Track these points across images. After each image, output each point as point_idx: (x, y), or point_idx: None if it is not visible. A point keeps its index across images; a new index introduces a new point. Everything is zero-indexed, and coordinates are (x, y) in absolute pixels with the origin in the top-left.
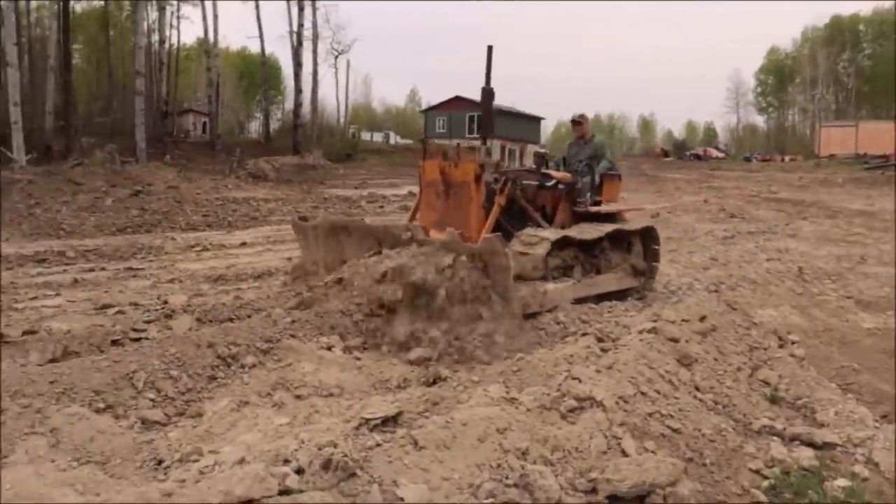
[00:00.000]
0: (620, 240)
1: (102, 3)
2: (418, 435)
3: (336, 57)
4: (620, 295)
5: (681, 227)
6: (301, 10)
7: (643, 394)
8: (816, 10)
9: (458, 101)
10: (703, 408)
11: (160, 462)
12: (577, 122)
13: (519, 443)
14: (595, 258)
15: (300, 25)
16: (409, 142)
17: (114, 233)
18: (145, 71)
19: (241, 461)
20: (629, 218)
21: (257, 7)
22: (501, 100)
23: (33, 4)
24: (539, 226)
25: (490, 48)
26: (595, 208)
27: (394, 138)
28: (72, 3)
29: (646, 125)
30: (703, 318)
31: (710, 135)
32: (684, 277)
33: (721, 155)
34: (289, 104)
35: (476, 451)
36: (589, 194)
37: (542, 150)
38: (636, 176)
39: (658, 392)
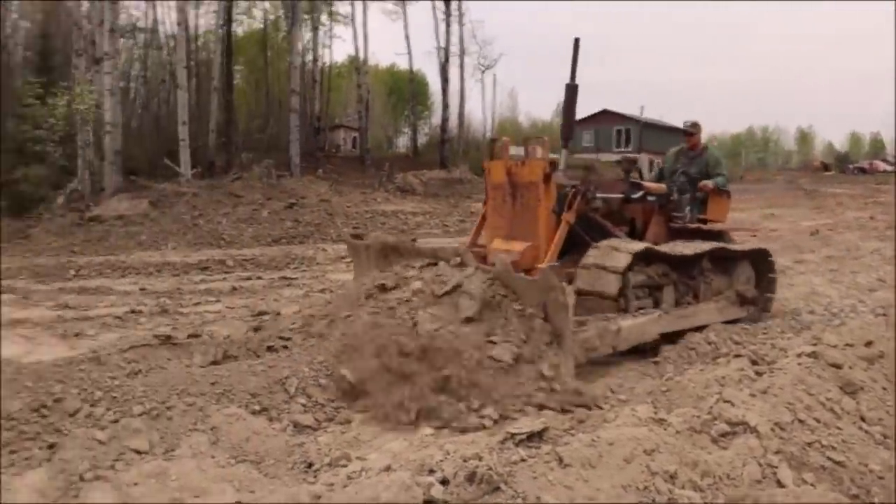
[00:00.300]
0: (724, 262)
1: (261, 26)
2: (564, 452)
3: (482, 72)
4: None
5: (843, 244)
6: (448, 26)
7: (801, 421)
8: None
9: (605, 115)
10: (870, 441)
11: (310, 465)
12: (689, 132)
13: (667, 465)
14: (693, 280)
15: (447, 42)
16: (555, 156)
17: (269, 243)
18: (299, 89)
19: (388, 468)
20: (738, 239)
21: (406, 25)
22: (650, 111)
23: (201, 30)
24: None
25: (577, 41)
26: (697, 224)
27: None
28: (234, 26)
29: (804, 137)
30: (869, 344)
31: (877, 146)
32: (847, 299)
33: (889, 168)
34: (436, 119)
35: (622, 472)
36: (689, 209)
37: (633, 155)
38: (793, 190)
39: (818, 420)
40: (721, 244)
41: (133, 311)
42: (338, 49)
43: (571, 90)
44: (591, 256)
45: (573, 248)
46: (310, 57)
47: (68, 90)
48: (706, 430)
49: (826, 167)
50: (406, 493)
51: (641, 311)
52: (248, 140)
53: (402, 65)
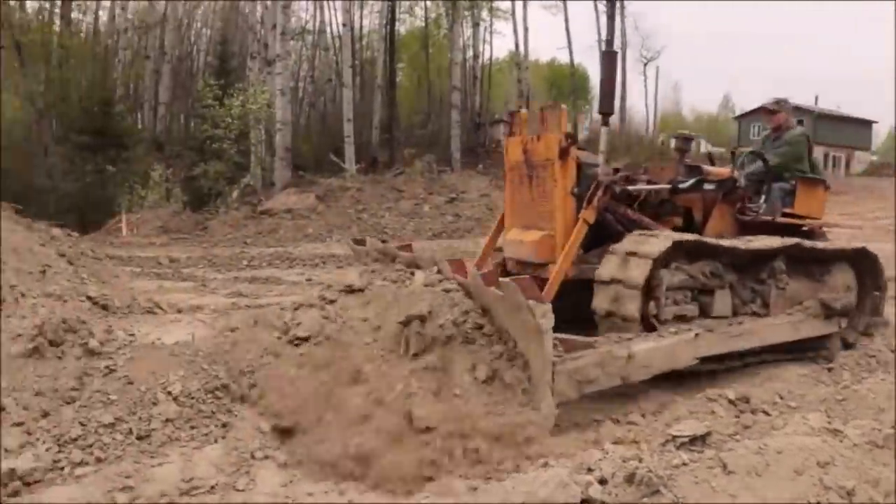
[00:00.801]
0: (812, 264)
1: (423, 24)
2: (728, 458)
3: (645, 64)
4: (800, 348)
5: None
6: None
7: None
8: None
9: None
10: None
11: None
12: (771, 110)
13: (843, 480)
14: (761, 285)
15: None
16: (721, 149)
17: (430, 237)
18: (460, 85)
19: (545, 465)
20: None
21: (566, 19)
22: (825, 101)
23: (365, 30)
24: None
25: (612, 3)
26: (770, 217)
27: (705, 146)
28: (397, 24)
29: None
30: None
31: None
32: None
33: None
34: (597, 113)
35: (792, 483)
36: (764, 200)
37: (687, 133)
38: None
39: None
40: (801, 241)
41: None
42: (498, 45)
43: (610, 56)
44: (607, 267)
45: (607, 239)
46: (470, 53)
47: (243, 91)
48: (889, 445)
49: None
50: (563, 490)
51: (672, 329)
52: (410, 136)
53: (563, 59)
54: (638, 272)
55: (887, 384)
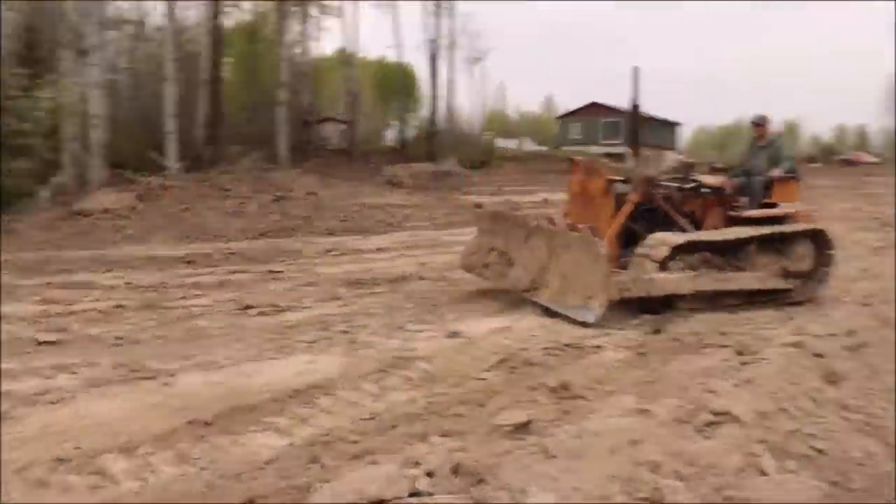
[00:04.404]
0: (777, 243)
1: (250, 18)
2: (549, 443)
3: (472, 65)
4: (768, 296)
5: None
6: (438, 19)
7: (784, 410)
8: None
9: (593, 108)
10: (850, 429)
11: None
12: (758, 123)
13: (652, 456)
14: (738, 263)
15: (437, 34)
16: (543, 148)
17: (257, 237)
18: (288, 82)
19: (373, 462)
20: (806, 220)
21: (395, 17)
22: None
23: (189, 21)
24: (682, 229)
25: (636, 69)
26: (750, 213)
27: (529, 145)
28: (222, 19)
29: (791, 130)
30: (851, 333)
31: (862, 139)
32: (831, 290)
33: (874, 160)
34: (425, 112)
35: (607, 463)
36: (746, 198)
37: (689, 160)
38: None
39: (801, 409)
40: (774, 229)
41: (118, 306)
42: (328, 42)
43: (635, 109)
44: (639, 250)
45: (636, 242)
46: (299, 49)
47: (54, 83)
48: (690, 420)
49: (812, 159)
50: (392, 485)
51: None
52: (237, 133)
53: (392, 58)
54: (660, 253)
55: (690, 365)
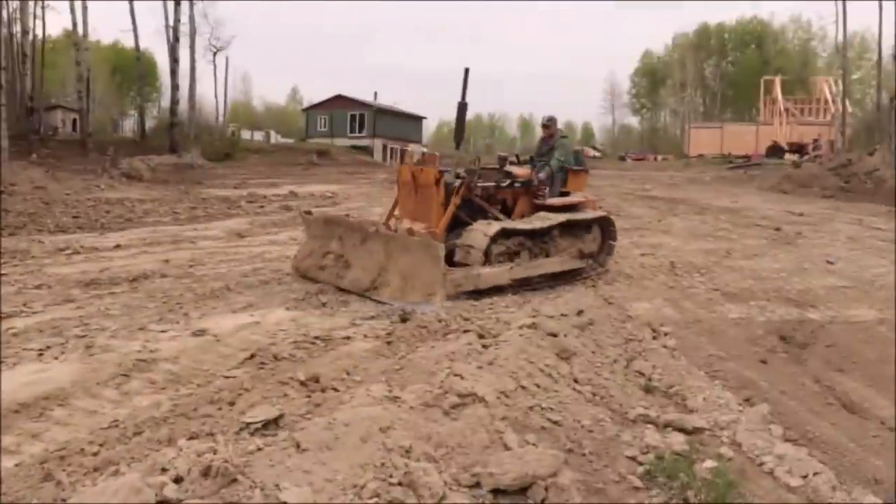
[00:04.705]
0: (574, 228)
1: None
2: (300, 437)
3: (214, 54)
4: (569, 275)
5: None
6: (177, 4)
7: (524, 388)
8: (687, 17)
9: (339, 100)
10: (581, 399)
11: None
12: (546, 125)
13: (402, 441)
14: (545, 245)
15: (177, 20)
16: (290, 141)
17: None
18: (6, 64)
19: (115, 473)
20: (591, 207)
21: (131, 0)
22: (383, 98)
23: None
24: (496, 219)
25: (467, 70)
26: (552, 201)
27: (275, 137)
28: None
29: (525, 125)
30: (580, 313)
31: (588, 135)
32: None
33: (597, 154)
34: (165, 101)
35: (359, 451)
36: (548, 188)
37: (504, 154)
38: None
39: (538, 386)
40: (570, 216)
41: None
42: (53, 22)
43: (462, 107)
44: (463, 238)
45: (459, 226)
46: (18, 28)
47: None
48: (438, 403)
49: None
50: (136, 495)
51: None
52: None
53: (128, 42)
54: (481, 243)
55: (436, 350)
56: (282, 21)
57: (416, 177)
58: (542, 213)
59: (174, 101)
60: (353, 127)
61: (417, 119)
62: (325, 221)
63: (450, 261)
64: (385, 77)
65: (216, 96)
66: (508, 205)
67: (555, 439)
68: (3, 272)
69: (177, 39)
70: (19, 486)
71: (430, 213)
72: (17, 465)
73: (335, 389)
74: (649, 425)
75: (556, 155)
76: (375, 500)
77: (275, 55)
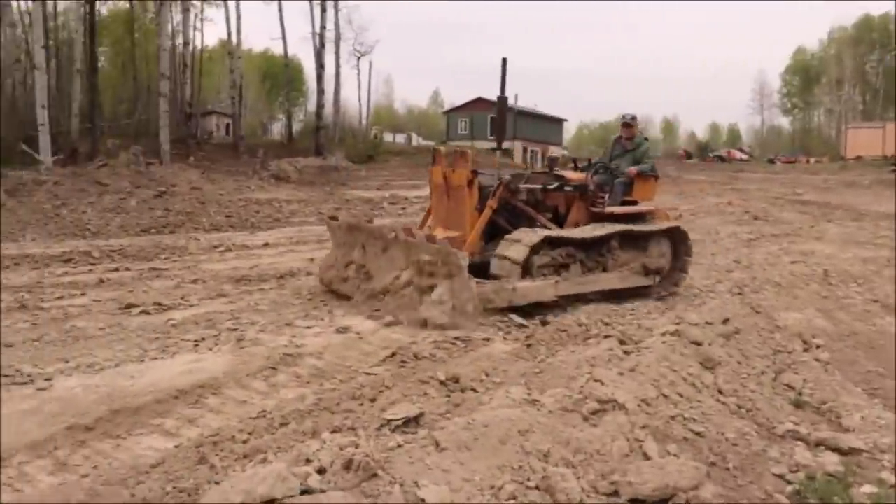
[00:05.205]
0: (637, 239)
1: (128, 4)
2: (440, 436)
3: (358, 58)
4: (634, 294)
5: (704, 228)
6: (324, 11)
7: (665, 396)
8: (844, 10)
9: (480, 103)
10: (726, 411)
11: None
12: (629, 123)
13: (540, 445)
14: (602, 258)
15: (322, 27)
16: (431, 143)
17: (138, 233)
18: (169, 73)
19: (263, 461)
20: (663, 218)
21: (280, 9)
22: (524, 100)
23: (60, 7)
24: (544, 227)
25: (504, 60)
26: (612, 209)
27: (416, 139)
28: (98, 5)
29: (668, 127)
30: (726, 321)
31: (734, 136)
32: (707, 280)
33: (745, 157)
34: (311, 106)
35: (497, 453)
36: (607, 196)
37: (556, 155)
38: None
39: (681, 395)
40: (629, 226)
41: None
42: (210, 33)
43: (502, 102)
44: (500, 247)
45: (499, 235)
46: (180, 40)
47: None
48: (578, 408)
49: (688, 155)
50: (282, 484)
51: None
52: (115, 125)
53: (277, 49)
54: (519, 254)
55: (576, 355)
56: (422, 24)
57: (448, 178)
58: (597, 224)
59: (320, 105)
60: (493, 129)
61: (557, 121)
62: (349, 228)
63: (486, 274)
64: (524, 78)
65: (360, 100)
66: (560, 212)
67: (697, 451)
68: (164, 267)
69: (323, 45)
70: (178, 467)
71: (462, 219)
72: (176, 447)
73: (474, 390)
74: (799, 442)
75: (645, 159)
76: (512, 502)
77: (416, 58)
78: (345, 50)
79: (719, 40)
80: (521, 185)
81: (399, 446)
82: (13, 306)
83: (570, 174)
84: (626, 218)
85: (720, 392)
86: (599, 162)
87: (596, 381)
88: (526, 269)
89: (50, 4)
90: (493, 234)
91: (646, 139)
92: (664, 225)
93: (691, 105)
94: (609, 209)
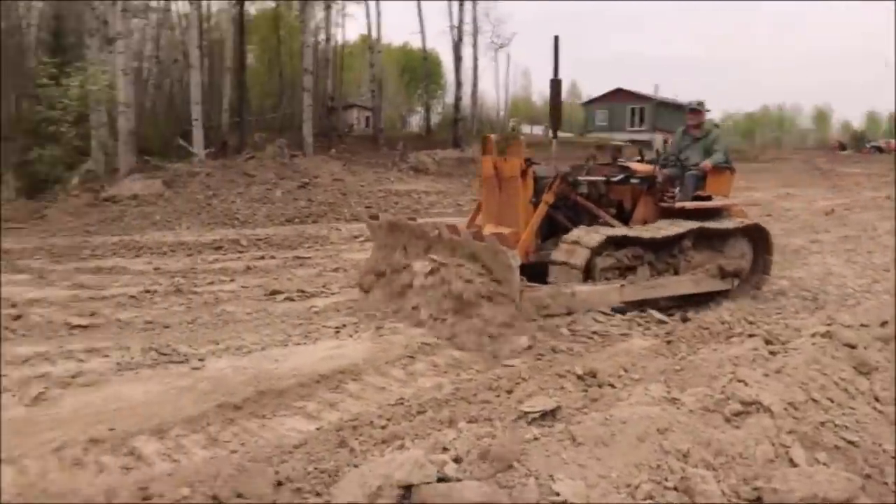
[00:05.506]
0: (712, 238)
1: (274, 4)
2: (576, 430)
3: (496, 51)
4: (707, 298)
5: (860, 224)
6: (461, 4)
7: (815, 401)
8: None
9: (619, 94)
10: (883, 421)
11: None
12: (696, 110)
13: (680, 444)
14: (673, 258)
15: (460, 20)
16: (569, 135)
17: (283, 223)
18: (312, 68)
19: (401, 447)
20: (740, 214)
21: (419, 3)
22: (664, 90)
23: (213, 9)
24: (607, 224)
25: (556, 38)
26: (683, 204)
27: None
28: (247, 5)
29: (820, 116)
30: (884, 324)
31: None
32: (862, 279)
33: None
34: (449, 98)
35: (635, 451)
36: (678, 189)
37: (620, 144)
38: (809, 171)
39: (832, 400)
40: (703, 224)
41: (147, 291)
42: (350, 28)
43: (556, 84)
44: (558, 250)
45: (558, 232)
46: (322, 36)
47: (82, 70)
48: (719, 409)
49: (842, 146)
50: (420, 471)
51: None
52: (261, 120)
53: (416, 43)
54: (580, 256)
55: (718, 353)
56: (560, 14)
57: (500, 168)
58: (665, 222)
59: (457, 98)
60: (633, 121)
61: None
62: (390, 227)
63: (544, 276)
64: (663, 68)
65: (497, 92)
66: (626, 207)
67: (850, 461)
68: (307, 255)
69: (460, 39)
70: (319, 449)
71: (516, 214)
72: (317, 429)
73: (612, 386)
74: None
75: (719, 150)
76: (649, 501)
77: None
78: (482, 43)
79: (878, 24)
80: (582, 178)
81: (535, 439)
82: (169, 290)
83: (637, 165)
84: (699, 214)
85: (877, 399)
86: (668, 153)
87: (739, 381)
88: (588, 274)
89: (204, 6)
90: (552, 230)
91: (716, 125)
92: (742, 223)
93: (845, 94)
94: (679, 204)
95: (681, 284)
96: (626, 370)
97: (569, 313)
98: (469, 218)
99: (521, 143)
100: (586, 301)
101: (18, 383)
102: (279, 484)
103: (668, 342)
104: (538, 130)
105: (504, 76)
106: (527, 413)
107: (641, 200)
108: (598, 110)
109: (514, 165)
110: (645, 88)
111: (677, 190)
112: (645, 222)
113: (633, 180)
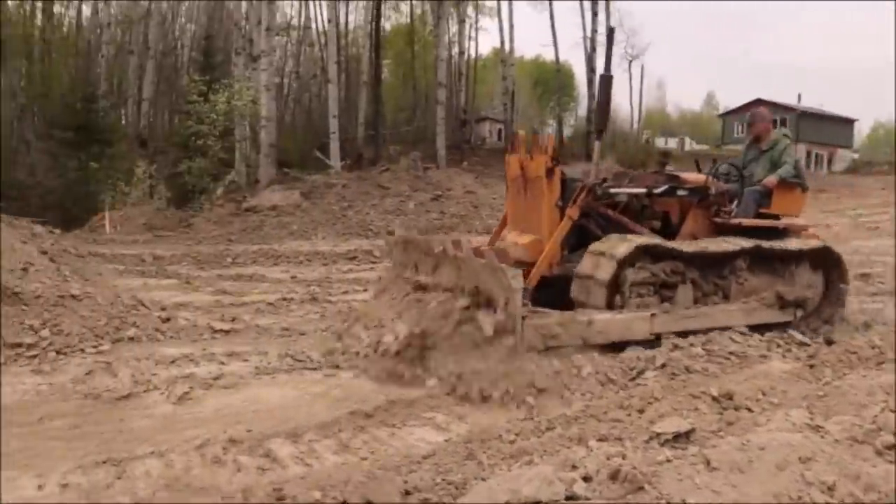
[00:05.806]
0: (772, 261)
1: (408, 20)
2: (711, 454)
3: (630, 62)
4: (767, 330)
5: None
6: (595, 15)
7: None
8: None
9: (759, 104)
10: None
11: None
12: (757, 118)
13: (824, 476)
14: (723, 280)
15: (594, 31)
16: (704, 147)
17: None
18: (445, 82)
19: (530, 462)
20: (807, 236)
21: (551, 16)
22: (808, 99)
23: (351, 26)
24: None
25: (611, 30)
26: (741, 220)
27: (689, 143)
28: (382, 21)
29: None
30: None
31: None
32: None
33: None
34: (582, 111)
35: (774, 479)
36: (736, 204)
37: (668, 149)
38: None
39: None
40: (760, 243)
41: (284, 299)
42: (483, 41)
43: (606, 80)
44: (582, 264)
45: (588, 241)
46: (456, 50)
47: (228, 87)
48: (869, 440)
49: None
50: (548, 487)
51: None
52: (396, 132)
53: (548, 56)
54: (605, 270)
55: (868, 380)
56: (697, 23)
57: (526, 168)
58: (721, 239)
59: (590, 110)
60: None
61: (847, 121)
62: (405, 244)
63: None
64: (806, 77)
65: (631, 103)
66: (672, 221)
67: None
68: None
69: (594, 50)
70: (448, 460)
71: (540, 220)
72: (446, 441)
73: (749, 409)
74: None
75: (788, 162)
76: None
77: (689, 61)
78: (616, 54)
79: None
80: (616, 189)
81: (668, 461)
82: (305, 298)
83: (686, 175)
84: (759, 233)
85: None
86: (728, 164)
87: (892, 411)
88: (615, 290)
89: (342, 23)
90: (582, 240)
91: (786, 135)
92: (809, 245)
93: None
94: (736, 220)
95: (729, 315)
96: (764, 393)
97: (582, 345)
98: (495, 230)
99: (550, 137)
100: (605, 332)
101: (167, 382)
102: (407, 493)
103: (811, 366)
104: (673, 142)
105: (638, 87)
106: (659, 434)
107: (691, 214)
108: (737, 121)
109: (540, 164)
110: (787, 98)
111: (734, 205)
112: (694, 238)
113: (681, 192)
